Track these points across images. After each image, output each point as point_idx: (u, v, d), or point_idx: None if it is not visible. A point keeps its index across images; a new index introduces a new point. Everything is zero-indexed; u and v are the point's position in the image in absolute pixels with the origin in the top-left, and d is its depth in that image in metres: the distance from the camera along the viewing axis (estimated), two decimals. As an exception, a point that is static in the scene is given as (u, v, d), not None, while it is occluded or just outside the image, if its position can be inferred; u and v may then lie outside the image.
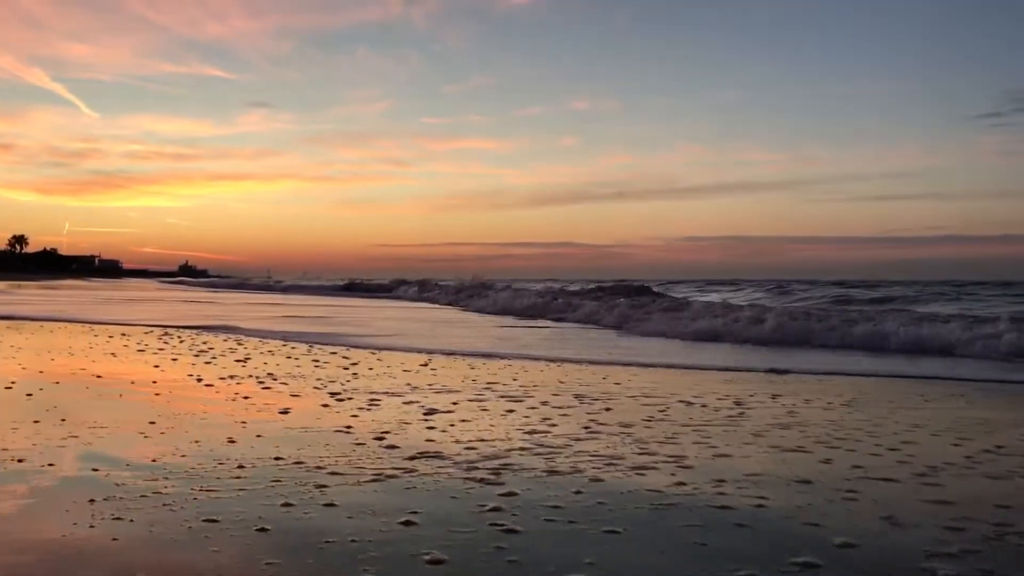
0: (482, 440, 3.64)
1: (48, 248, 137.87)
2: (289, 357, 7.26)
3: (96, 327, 10.98)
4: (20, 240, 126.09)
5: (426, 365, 6.86)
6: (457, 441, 3.61)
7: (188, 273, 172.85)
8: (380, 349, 8.37)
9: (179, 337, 9.29)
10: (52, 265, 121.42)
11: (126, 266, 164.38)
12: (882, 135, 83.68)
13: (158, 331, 10.22)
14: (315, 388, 5.25)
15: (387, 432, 3.77)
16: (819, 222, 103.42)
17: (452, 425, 4.02)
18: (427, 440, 3.62)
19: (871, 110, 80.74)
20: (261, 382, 5.51)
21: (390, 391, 5.17)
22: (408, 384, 5.55)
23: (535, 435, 3.80)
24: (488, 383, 5.71)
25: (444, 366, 6.89)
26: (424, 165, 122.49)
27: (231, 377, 5.72)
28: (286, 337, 9.69)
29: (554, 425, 4.09)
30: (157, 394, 4.84)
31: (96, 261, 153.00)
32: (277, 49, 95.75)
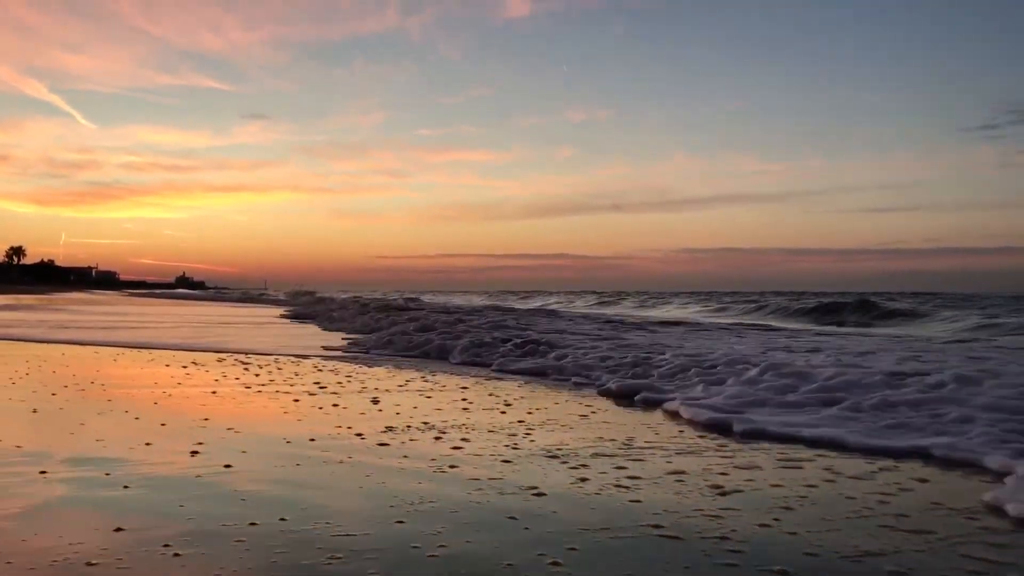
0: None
1: (45, 259, 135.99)
2: (422, 395, 6.22)
3: (153, 353, 9.93)
4: (18, 251, 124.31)
5: (593, 412, 5.83)
6: (843, 556, 2.58)
7: (185, 284, 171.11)
8: (466, 378, 7.34)
9: (260, 365, 8.24)
10: (50, 276, 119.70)
11: (123, 277, 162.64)
12: (878, 147, 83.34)
13: (228, 358, 9.17)
14: (513, 447, 4.21)
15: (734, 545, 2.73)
16: (815, 234, 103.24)
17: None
18: None
19: (867, 122, 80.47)
20: (438, 438, 4.47)
21: (607, 453, 4.13)
22: (614, 441, 4.52)
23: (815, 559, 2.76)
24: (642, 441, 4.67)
25: (607, 410, 5.86)
26: (420, 176, 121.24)
27: (389, 429, 4.68)
28: (349, 358, 8.65)
29: (778, 520, 3.06)
30: (340, 462, 3.79)
31: (93, 272, 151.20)
32: (274, 60, 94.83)
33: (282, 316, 24.06)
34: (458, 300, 50.95)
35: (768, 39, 76.37)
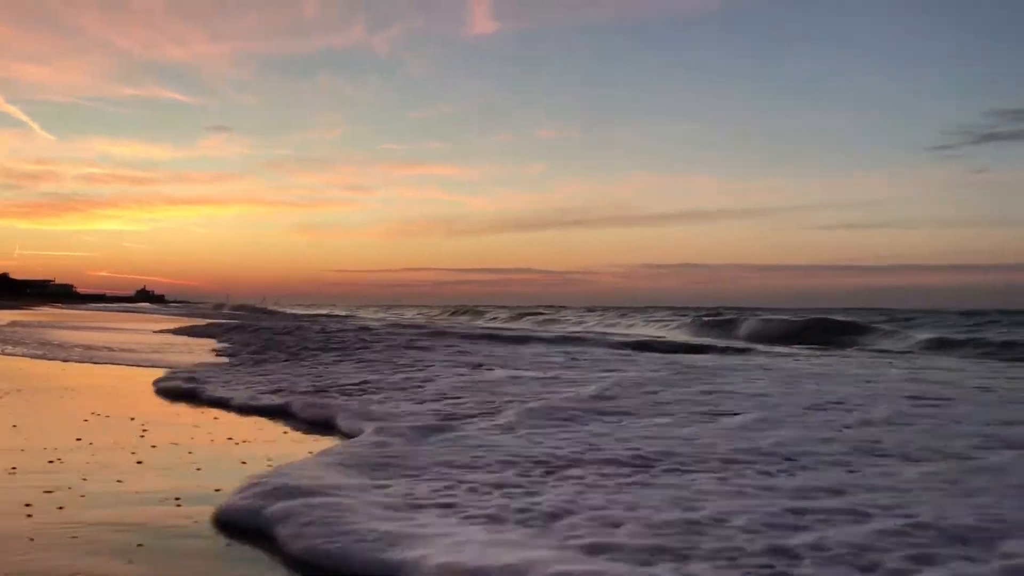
0: None
1: (0, 272, 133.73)
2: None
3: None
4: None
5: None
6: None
7: (145, 298, 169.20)
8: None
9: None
10: (6, 289, 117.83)
11: (81, 290, 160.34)
12: (838, 166, 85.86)
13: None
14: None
15: None
16: (777, 250, 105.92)
17: None
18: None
19: (827, 141, 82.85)
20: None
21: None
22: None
23: None
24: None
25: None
26: (385, 191, 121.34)
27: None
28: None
29: None
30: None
31: (50, 285, 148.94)
32: (237, 73, 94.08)
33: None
34: (409, 314, 51.95)
35: (727, 59, 78.81)
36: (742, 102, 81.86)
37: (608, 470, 4.24)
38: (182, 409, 7.06)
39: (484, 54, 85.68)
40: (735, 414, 6.30)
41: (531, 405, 6.52)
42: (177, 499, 3.77)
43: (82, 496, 3.81)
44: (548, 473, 4.16)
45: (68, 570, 2.79)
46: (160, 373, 9.52)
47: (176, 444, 5.25)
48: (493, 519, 3.25)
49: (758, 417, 6.08)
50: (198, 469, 4.53)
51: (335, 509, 3.27)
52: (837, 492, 3.77)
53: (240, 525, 3.33)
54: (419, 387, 8.07)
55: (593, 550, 2.87)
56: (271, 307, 73.55)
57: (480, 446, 4.83)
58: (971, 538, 3.06)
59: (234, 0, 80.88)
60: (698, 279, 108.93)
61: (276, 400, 7.15)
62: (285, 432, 6.02)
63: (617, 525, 3.17)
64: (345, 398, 7.22)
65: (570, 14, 76.62)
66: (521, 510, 3.36)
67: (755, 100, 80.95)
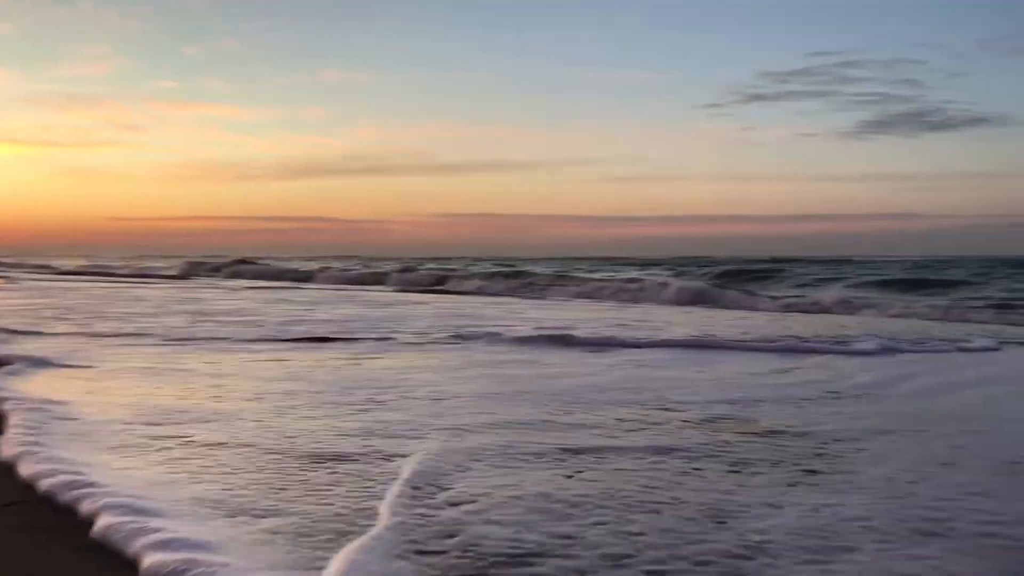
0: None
1: None
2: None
3: None
4: None
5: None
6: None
7: None
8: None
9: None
10: None
11: None
12: (622, 121, 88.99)
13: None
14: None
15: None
16: (567, 201, 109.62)
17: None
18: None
19: (613, 97, 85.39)
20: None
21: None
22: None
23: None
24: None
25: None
26: (160, 131, 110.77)
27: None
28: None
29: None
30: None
31: None
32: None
33: None
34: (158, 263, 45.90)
35: (519, 16, 78.95)
36: (533, 55, 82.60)
37: None
38: None
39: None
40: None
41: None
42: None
43: None
44: None
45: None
46: None
47: None
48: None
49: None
50: None
51: None
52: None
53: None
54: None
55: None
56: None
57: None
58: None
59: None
60: (494, 228, 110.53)
61: None
62: None
63: None
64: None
65: (363, -48, 73.38)
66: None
67: (545, 54, 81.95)
